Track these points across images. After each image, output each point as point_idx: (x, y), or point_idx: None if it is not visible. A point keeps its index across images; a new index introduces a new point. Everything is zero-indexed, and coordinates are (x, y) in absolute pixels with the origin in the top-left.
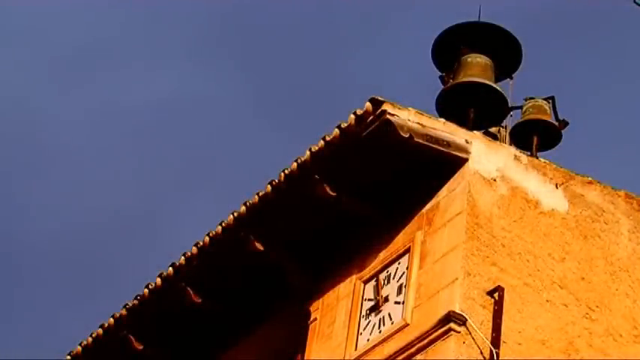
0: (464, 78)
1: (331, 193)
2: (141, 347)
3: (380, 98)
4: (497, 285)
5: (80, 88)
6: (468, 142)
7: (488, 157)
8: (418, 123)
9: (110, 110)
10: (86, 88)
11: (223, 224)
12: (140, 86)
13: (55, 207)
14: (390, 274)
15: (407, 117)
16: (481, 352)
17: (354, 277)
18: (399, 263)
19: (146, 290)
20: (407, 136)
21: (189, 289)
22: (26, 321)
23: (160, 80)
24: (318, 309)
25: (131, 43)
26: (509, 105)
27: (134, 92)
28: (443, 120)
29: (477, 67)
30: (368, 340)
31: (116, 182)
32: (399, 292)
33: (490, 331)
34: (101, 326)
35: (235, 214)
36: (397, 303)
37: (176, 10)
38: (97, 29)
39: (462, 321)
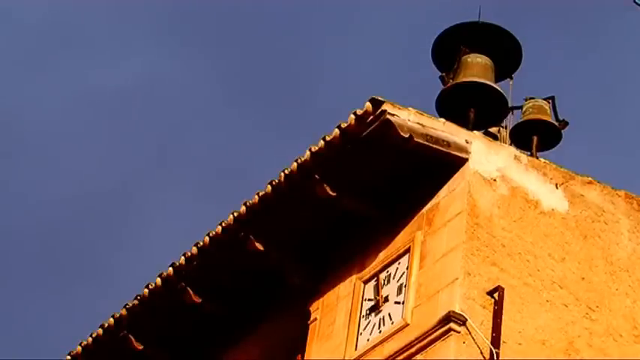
0: (464, 78)
1: (331, 193)
2: (141, 347)
3: (380, 98)
4: (497, 285)
5: (47, 72)
6: (468, 142)
7: (488, 157)
8: (418, 123)
9: (78, 94)
10: (53, 72)
11: (223, 224)
12: (108, 70)
13: (31, 197)
14: (390, 274)
15: (407, 117)
16: (481, 352)
17: (354, 277)
18: (399, 263)
19: (146, 290)
20: (407, 136)
21: (189, 289)
22: (26, 321)
23: (128, 64)
24: (318, 309)
25: (98, 26)
26: (509, 105)
27: (101, 76)
28: (443, 120)
29: (476, 67)
30: (368, 340)
31: (87, 168)
32: (399, 292)
33: (490, 331)
34: (101, 326)
35: (235, 214)
36: (397, 303)
37: None
38: (63, 12)
39: (462, 321)
